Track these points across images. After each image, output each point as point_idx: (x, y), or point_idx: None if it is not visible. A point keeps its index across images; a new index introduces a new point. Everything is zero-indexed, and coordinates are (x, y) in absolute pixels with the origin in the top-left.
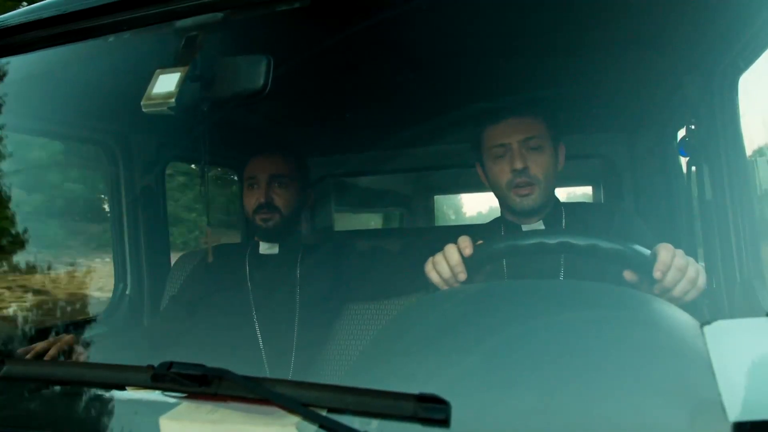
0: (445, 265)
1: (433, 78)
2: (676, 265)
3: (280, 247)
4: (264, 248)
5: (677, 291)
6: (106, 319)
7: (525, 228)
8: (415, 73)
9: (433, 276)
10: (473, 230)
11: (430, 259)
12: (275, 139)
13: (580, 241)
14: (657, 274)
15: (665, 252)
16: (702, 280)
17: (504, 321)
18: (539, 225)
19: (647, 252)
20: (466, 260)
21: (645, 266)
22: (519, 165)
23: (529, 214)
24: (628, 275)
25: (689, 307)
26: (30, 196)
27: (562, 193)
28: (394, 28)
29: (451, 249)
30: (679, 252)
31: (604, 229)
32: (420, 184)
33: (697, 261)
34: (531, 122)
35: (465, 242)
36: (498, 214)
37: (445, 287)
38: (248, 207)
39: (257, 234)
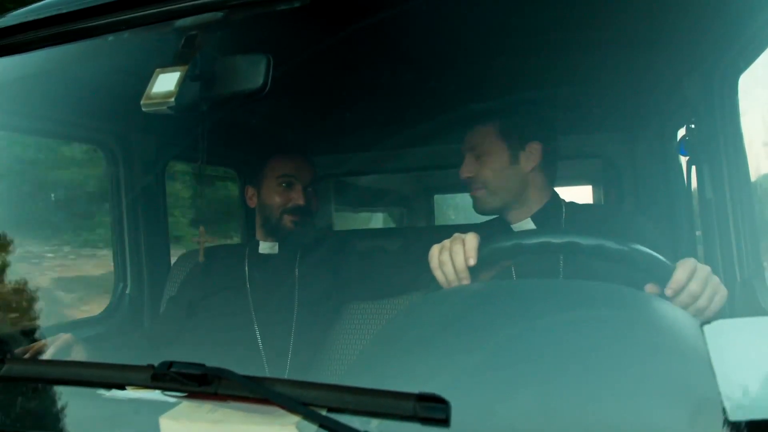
0: (460, 247)
1: (434, 78)
2: (690, 291)
3: (280, 247)
4: (264, 248)
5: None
6: (106, 318)
7: (514, 227)
8: (415, 72)
9: (437, 261)
10: (471, 230)
11: (436, 247)
12: (275, 138)
13: (586, 242)
14: (668, 292)
15: (682, 271)
16: (717, 303)
17: (504, 321)
18: (528, 223)
19: (654, 254)
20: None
21: (653, 269)
22: (464, 174)
23: (484, 214)
24: (650, 288)
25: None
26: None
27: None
28: (394, 28)
29: (458, 238)
30: (701, 272)
31: (606, 230)
32: (420, 184)
33: (698, 261)
34: (480, 131)
35: (473, 241)
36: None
37: (452, 274)
38: (276, 205)
39: (279, 233)
